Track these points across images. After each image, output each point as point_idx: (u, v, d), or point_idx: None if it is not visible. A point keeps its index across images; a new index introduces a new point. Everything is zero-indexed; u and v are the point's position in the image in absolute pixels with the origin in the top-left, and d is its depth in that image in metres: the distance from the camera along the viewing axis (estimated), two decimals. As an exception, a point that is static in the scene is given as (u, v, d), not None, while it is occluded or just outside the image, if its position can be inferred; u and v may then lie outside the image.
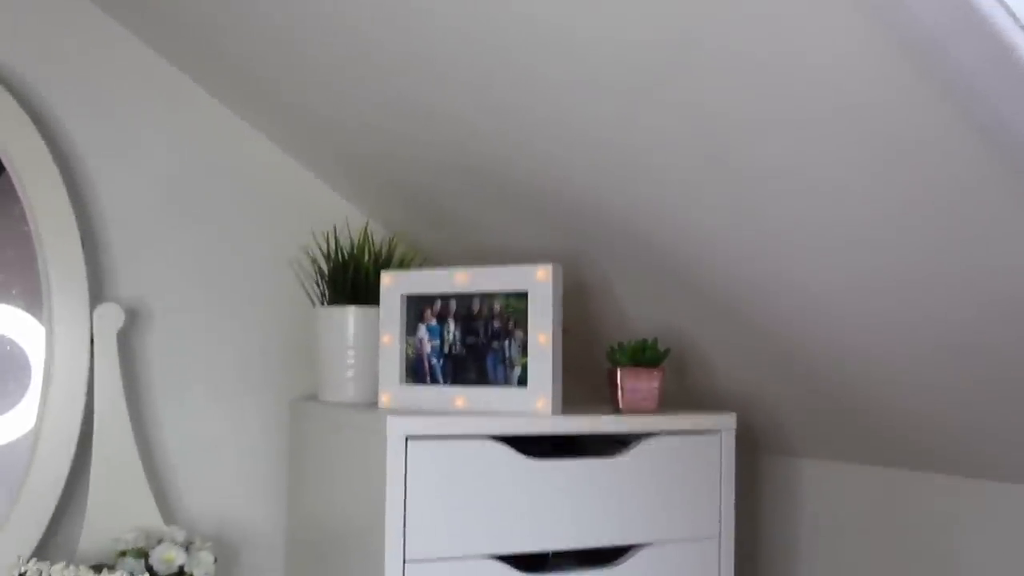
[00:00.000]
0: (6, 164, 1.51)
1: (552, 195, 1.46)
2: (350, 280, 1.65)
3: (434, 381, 1.50)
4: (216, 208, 1.76)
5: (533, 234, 1.62)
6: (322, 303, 1.69)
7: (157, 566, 1.46)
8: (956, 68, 0.87)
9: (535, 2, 1.04)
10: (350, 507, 1.42)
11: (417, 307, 1.52)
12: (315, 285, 1.74)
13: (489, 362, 1.48)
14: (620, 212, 1.39)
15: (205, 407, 1.74)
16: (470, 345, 1.49)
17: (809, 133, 1.05)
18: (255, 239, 1.79)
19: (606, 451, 1.49)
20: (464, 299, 1.49)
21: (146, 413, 1.69)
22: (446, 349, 1.50)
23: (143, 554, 1.48)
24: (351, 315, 1.64)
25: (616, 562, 1.44)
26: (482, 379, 1.48)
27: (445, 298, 1.50)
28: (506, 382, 1.46)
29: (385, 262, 1.67)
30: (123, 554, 1.48)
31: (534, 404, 1.43)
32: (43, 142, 1.52)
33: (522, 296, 1.45)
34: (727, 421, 1.54)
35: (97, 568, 1.48)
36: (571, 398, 1.72)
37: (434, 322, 1.51)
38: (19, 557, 1.44)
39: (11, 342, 1.53)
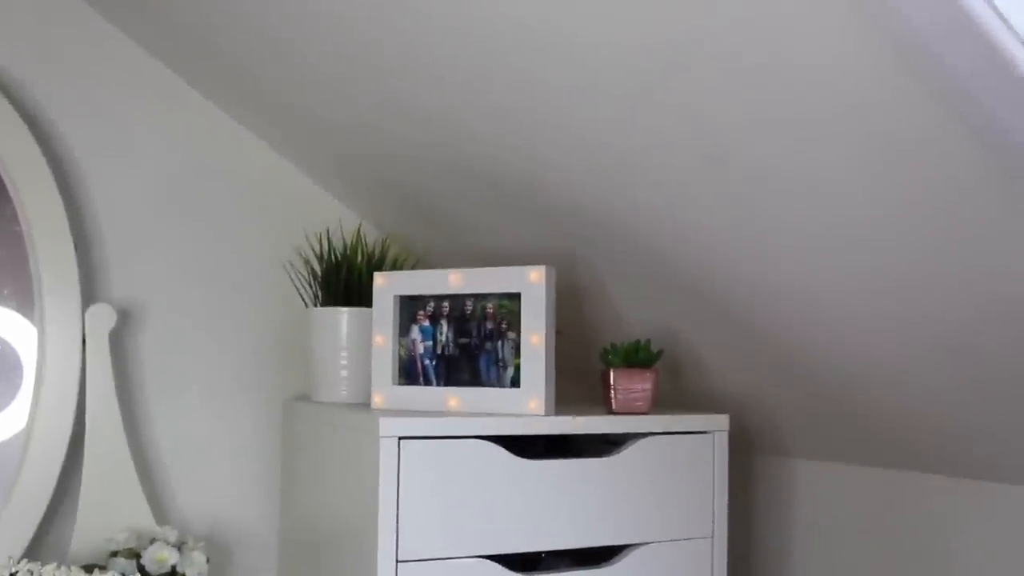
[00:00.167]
0: (-1, 165, 1.52)
1: (548, 197, 1.46)
2: (343, 281, 1.65)
3: (427, 382, 1.50)
4: (209, 209, 1.75)
5: (527, 235, 1.62)
6: (315, 304, 1.69)
7: (149, 566, 1.45)
8: (950, 70, 0.88)
9: (532, 5, 1.04)
10: (343, 507, 1.42)
11: (410, 308, 1.52)
12: (308, 286, 1.74)
13: (482, 363, 1.48)
14: (617, 214, 1.39)
15: (198, 407, 1.73)
16: (463, 346, 1.49)
17: (807, 133, 1.05)
18: (248, 240, 1.79)
19: (599, 452, 1.49)
20: (457, 300, 1.49)
21: (138, 413, 1.69)
22: (439, 350, 1.50)
23: (135, 554, 1.47)
24: (344, 316, 1.64)
25: (609, 562, 1.44)
26: (475, 380, 1.48)
27: (438, 299, 1.50)
28: (499, 383, 1.46)
29: (378, 263, 1.67)
30: (115, 554, 1.47)
31: (527, 405, 1.43)
32: (35, 143, 1.52)
33: (515, 297, 1.45)
34: (720, 422, 1.54)
35: (88, 568, 1.47)
36: (564, 399, 1.71)
37: (427, 323, 1.51)
38: (10, 558, 1.43)
39: (3, 342, 1.53)
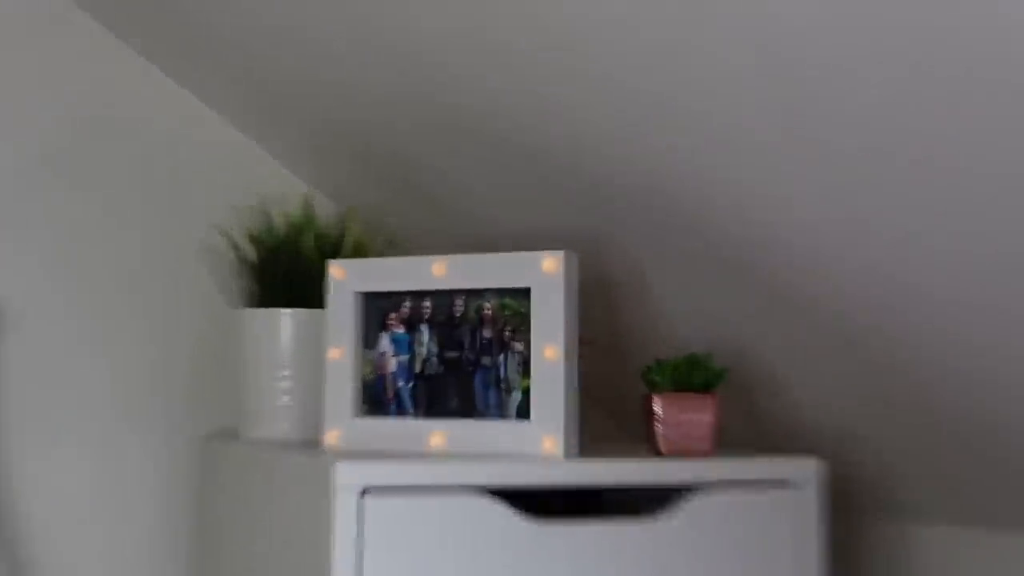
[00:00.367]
0: None
1: (566, 159, 1.48)
2: (285, 272, 1.67)
3: (401, 412, 1.52)
4: (101, 175, 1.77)
5: (540, 211, 1.64)
6: (246, 305, 1.71)
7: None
8: None
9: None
10: (284, 585, 1.45)
11: (378, 310, 1.54)
12: (236, 279, 1.77)
13: (477, 385, 1.49)
14: (660, 182, 1.41)
15: (80, 450, 1.75)
16: (451, 362, 1.50)
17: (937, 79, 1.06)
18: (153, 216, 1.81)
19: (641, 510, 1.51)
20: (443, 299, 1.51)
21: (-1, 459, 1.71)
22: (418, 367, 1.52)
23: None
24: (286, 321, 1.67)
25: (655, 661, 1.47)
26: (467, 409, 1.49)
27: (417, 297, 1.52)
28: (501, 413, 1.47)
29: (334, 248, 1.69)
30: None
31: (540, 445, 1.45)
32: None
33: (523, 295, 1.47)
34: (809, 469, 1.55)
35: None
36: (592, 436, 1.80)
37: (401, 330, 1.53)
38: None
39: None
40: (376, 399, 1.53)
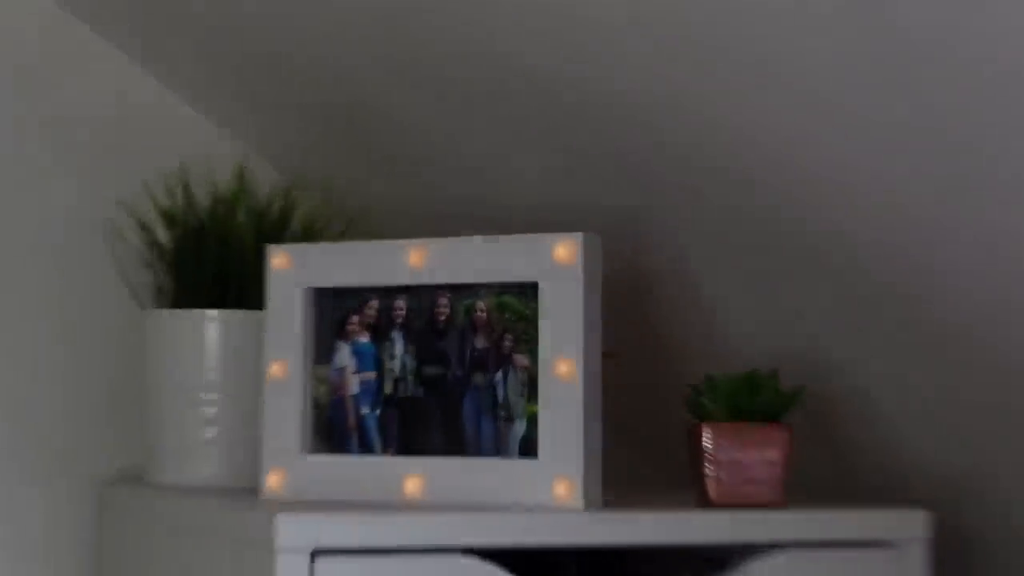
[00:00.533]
0: None
1: (591, 110, 1.48)
2: (210, 260, 1.68)
3: (365, 447, 1.54)
4: None
5: (551, 182, 1.65)
6: (158, 304, 1.73)
7: None
8: None
9: None
10: None
11: (335, 311, 1.56)
12: (146, 270, 1.78)
13: (467, 412, 1.51)
14: (719, 149, 1.41)
15: None
16: (432, 381, 1.53)
17: None
18: (35, 189, 1.82)
19: None
20: (422, 296, 1.53)
21: None
22: (389, 388, 1.54)
23: None
24: (211, 326, 1.68)
25: None
26: (454, 444, 1.51)
27: (387, 295, 1.54)
28: (499, 449, 1.50)
29: (276, 228, 1.69)
30: None
31: (551, 491, 1.46)
32: None
33: (528, 292, 1.49)
34: (916, 525, 1.56)
35: None
36: (620, 478, 1.76)
37: (366, 339, 1.55)
38: None
39: None
40: (332, 431, 1.55)
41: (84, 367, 1.85)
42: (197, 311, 1.69)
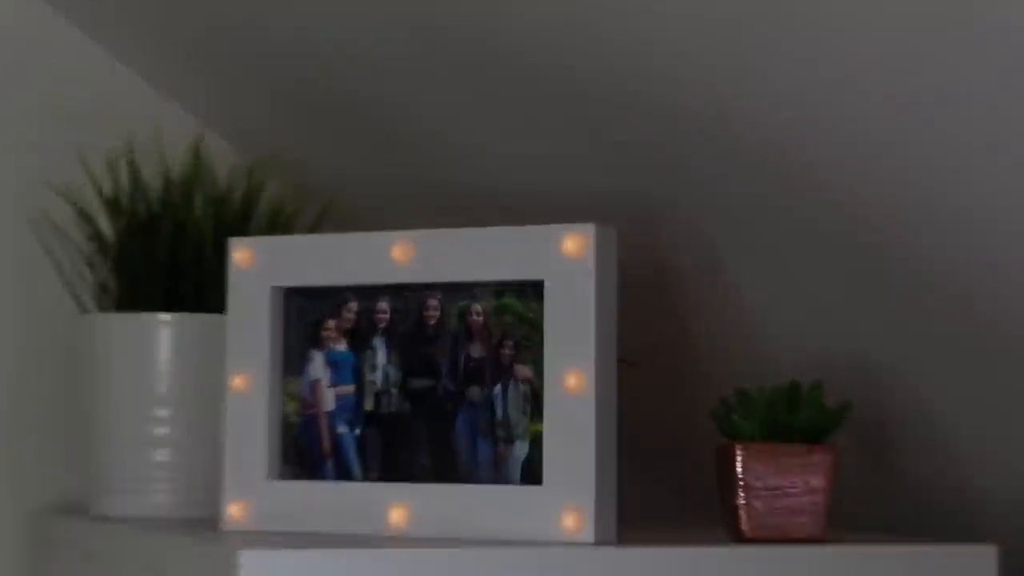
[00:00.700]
0: None
1: (606, 79, 1.48)
2: (162, 256, 1.70)
3: (343, 473, 1.53)
4: None
5: (557, 164, 1.66)
6: (102, 306, 1.75)
7: None
8: None
9: None
10: None
11: (307, 314, 1.56)
12: (87, 268, 1.78)
13: (461, 432, 1.50)
14: (757, 127, 1.42)
15: None
16: (420, 395, 1.52)
17: None
18: None
19: None
20: (409, 297, 1.53)
21: None
22: (370, 404, 1.53)
23: None
24: (163, 331, 1.71)
25: None
26: (445, 469, 1.51)
27: (368, 295, 1.53)
28: (497, 475, 1.49)
29: (238, 217, 1.71)
30: None
31: (558, 522, 1.45)
32: None
33: (532, 291, 1.48)
34: (982, 559, 1.53)
35: None
36: (638, 509, 1.76)
37: (343, 346, 1.54)
38: None
39: None
40: (304, 453, 1.55)
41: (14, 380, 1.87)
42: (146, 314, 1.69)
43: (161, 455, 1.69)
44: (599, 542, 1.43)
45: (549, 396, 1.45)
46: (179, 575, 1.45)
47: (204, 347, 1.70)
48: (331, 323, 1.54)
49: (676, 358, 1.80)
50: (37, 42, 1.88)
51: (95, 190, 1.82)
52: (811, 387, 1.53)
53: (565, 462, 1.44)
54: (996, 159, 1.31)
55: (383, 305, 1.52)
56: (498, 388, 1.48)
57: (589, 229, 1.45)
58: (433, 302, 1.50)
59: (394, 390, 1.52)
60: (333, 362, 1.53)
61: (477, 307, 1.49)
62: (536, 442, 1.46)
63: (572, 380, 1.44)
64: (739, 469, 1.50)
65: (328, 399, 1.53)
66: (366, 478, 1.52)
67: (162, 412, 1.68)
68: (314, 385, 1.54)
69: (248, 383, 1.54)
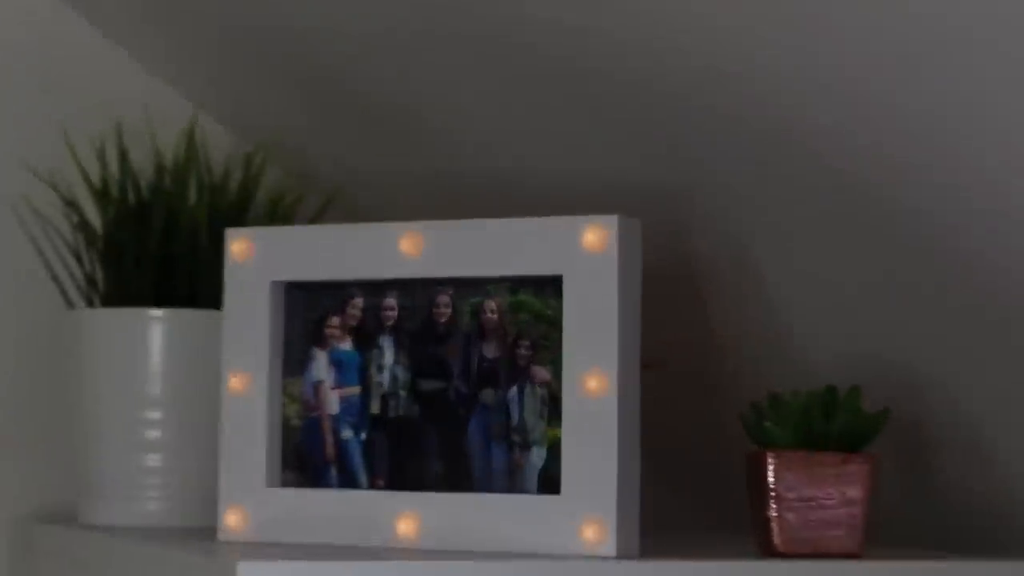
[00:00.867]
0: None
1: (632, 62, 1.47)
2: (154, 247, 1.73)
3: (347, 480, 1.53)
4: None
5: (578, 152, 1.67)
6: (90, 301, 1.78)
7: None
8: None
9: None
10: None
11: (309, 310, 1.55)
12: (73, 259, 1.80)
13: (474, 437, 1.49)
14: (776, 107, 1.41)
15: None
16: (430, 398, 1.51)
17: None
18: None
19: None
20: (418, 293, 1.52)
21: None
22: (376, 408, 1.52)
23: None
24: (155, 328, 1.72)
25: None
26: (457, 477, 1.50)
27: (374, 291, 1.53)
28: (512, 483, 1.48)
29: (236, 206, 1.74)
30: None
31: (576, 534, 1.44)
32: None
33: (549, 288, 1.48)
34: None
35: None
36: (661, 520, 1.76)
37: (348, 345, 1.53)
38: None
39: None
40: (306, 459, 1.54)
41: (6, 382, 1.87)
42: (137, 309, 1.70)
43: (153, 460, 1.70)
44: (621, 555, 1.42)
45: (568, 399, 1.44)
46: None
47: (199, 345, 1.71)
48: (335, 320, 1.53)
49: (703, 360, 1.82)
50: (19, 18, 1.89)
51: (82, 176, 1.81)
52: (848, 392, 1.52)
53: (585, 470, 1.43)
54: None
55: (391, 301, 1.52)
56: (513, 390, 1.47)
57: (612, 221, 1.44)
58: (444, 298, 1.50)
59: (402, 392, 1.51)
60: (337, 362, 1.53)
61: (491, 304, 1.49)
62: (554, 448, 1.45)
63: (593, 382, 1.43)
64: (770, 479, 1.49)
65: (332, 401, 1.52)
66: (372, 486, 1.51)
67: (154, 414, 1.69)
68: (317, 386, 1.53)
69: (246, 384, 1.54)
